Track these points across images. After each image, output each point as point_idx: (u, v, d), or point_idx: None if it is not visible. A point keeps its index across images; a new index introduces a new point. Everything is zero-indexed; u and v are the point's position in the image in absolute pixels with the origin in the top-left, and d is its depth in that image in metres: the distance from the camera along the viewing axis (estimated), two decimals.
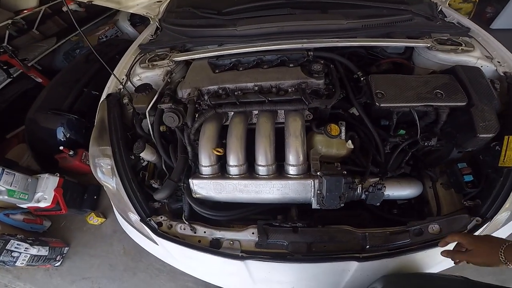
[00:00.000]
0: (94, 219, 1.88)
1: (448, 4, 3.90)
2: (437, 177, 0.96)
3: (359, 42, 1.04)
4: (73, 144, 2.01)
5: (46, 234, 1.94)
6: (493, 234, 0.84)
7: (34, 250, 1.69)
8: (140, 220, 0.96)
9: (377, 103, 0.86)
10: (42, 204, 1.75)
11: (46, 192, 1.75)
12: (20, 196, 1.68)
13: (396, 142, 0.94)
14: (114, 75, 1.20)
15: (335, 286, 0.84)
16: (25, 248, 1.67)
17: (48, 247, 1.75)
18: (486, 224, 0.79)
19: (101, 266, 1.77)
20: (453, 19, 1.31)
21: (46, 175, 1.80)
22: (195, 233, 0.90)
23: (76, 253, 1.86)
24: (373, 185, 0.82)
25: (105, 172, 1.04)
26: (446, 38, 1.09)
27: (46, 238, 1.81)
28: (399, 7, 1.18)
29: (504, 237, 0.92)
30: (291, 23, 1.10)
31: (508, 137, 0.80)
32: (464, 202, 0.87)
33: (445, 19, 1.31)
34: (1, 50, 2.33)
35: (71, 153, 1.93)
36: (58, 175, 1.83)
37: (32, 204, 1.75)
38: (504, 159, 0.80)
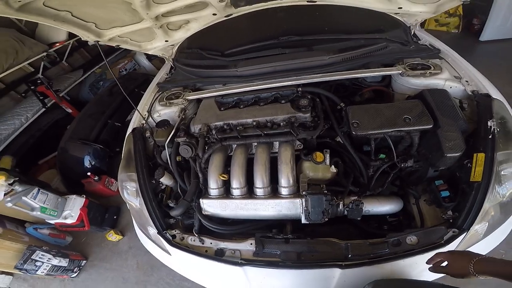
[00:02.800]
0: (112, 236, 2.20)
1: (435, 20, 4.05)
2: (419, 194, 1.14)
3: (338, 76, 1.29)
4: (98, 171, 2.40)
5: (67, 248, 2.29)
6: (477, 244, 1.01)
7: (55, 261, 2.04)
8: (158, 233, 1.23)
9: (353, 132, 1.10)
10: (68, 221, 2.10)
11: (73, 210, 2.11)
12: (51, 213, 2.05)
13: (377, 166, 1.15)
14: (139, 111, 1.55)
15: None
16: (48, 258, 2.02)
17: (68, 259, 2.09)
18: (463, 235, 0.94)
19: (115, 279, 2.05)
20: (426, 41, 1.51)
21: (74, 196, 2.17)
22: (203, 244, 1.16)
23: (93, 266, 2.18)
24: (352, 202, 1.04)
25: (130, 193, 1.34)
26: (417, 62, 1.29)
27: (67, 251, 2.15)
28: (375, 36, 1.41)
29: (490, 248, 1.08)
30: (281, 63, 1.39)
31: (477, 155, 0.98)
32: (443, 216, 1.04)
33: (418, 42, 1.50)
34: (39, 82, 2.82)
35: (96, 178, 2.32)
36: (84, 196, 2.19)
37: (60, 220, 2.11)
38: (474, 174, 0.98)
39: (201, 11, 1.37)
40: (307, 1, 1.35)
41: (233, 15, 1.46)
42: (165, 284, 1.87)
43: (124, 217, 2.36)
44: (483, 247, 1.03)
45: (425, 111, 1.07)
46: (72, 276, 2.14)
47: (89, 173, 2.27)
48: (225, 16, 1.46)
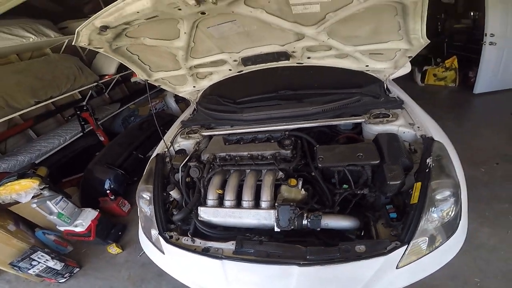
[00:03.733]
0: (113, 249, 2.43)
1: (434, 74, 4.33)
2: (376, 218, 1.36)
3: (317, 123, 1.67)
4: (115, 193, 2.77)
5: (66, 255, 2.49)
6: (423, 259, 1.18)
7: (51, 263, 2.25)
8: (158, 233, 1.49)
9: (319, 164, 1.43)
10: (77, 229, 2.39)
11: (84, 221, 2.42)
12: (65, 219, 2.36)
13: (341, 193, 1.43)
14: (164, 141, 1.98)
15: (292, 283, 1.18)
16: (46, 259, 2.24)
17: (63, 264, 2.30)
18: (405, 247, 1.14)
19: None
20: (395, 94, 1.87)
21: (89, 209, 2.51)
22: (193, 243, 1.40)
23: (85, 275, 2.36)
24: (313, 214, 1.30)
25: (144, 202, 1.66)
26: (379, 112, 1.63)
27: (65, 257, 2.37)
28: (351, 91, 1.77)
29: (439, 265, 1.23)
30: (277, 112, 1.81)
31: (416, 184, 1.27)
32: (391, 233, 1.26)
33: (388, 95, 1.85)
34: (84, 108, 3.43)
35: (112, 197, 2.69)
36: (98, 211, 2.51)
37: (70, 228, 2.40)
38: (413, 198, 1.24)
39: (221, 66, 1.90)
40: (297, 63, 1.84)
41: (244, 71, 1.98)
42: None
43: (128, 235, 2.60)
44: (429, 263, 1.21)
45: (374, 150, 1.41)
46: (60, 281, 2.33)
47: (108, 191, 2.64)
48: (238, 72, 1.98)
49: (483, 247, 1.90)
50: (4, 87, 2.93)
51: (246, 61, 1.79)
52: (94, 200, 2.74)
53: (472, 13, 4.89)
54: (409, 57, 1.54)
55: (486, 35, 3.98)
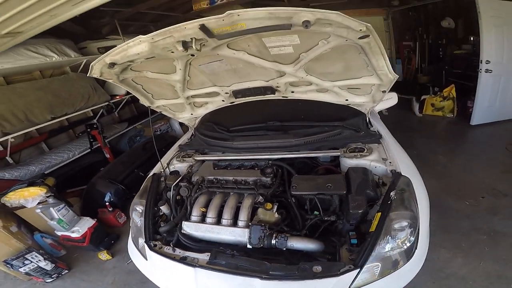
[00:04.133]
0: (103, 255, 2.58)
1: (431, 104, 4.36)
2: (341, 243, 1.46)
3: (297, 155, 1.85)
4: (113, 205, 2.96)
5: (59, 258, 2.64)
6: (375, 284, 1.26)
7: (42, 263, 2.42)
8: (145, 241, 1.63)
9: (292, 191, 1.58)
10: (73, 235, 2.56)
11: (81, 228, 2.59)
12: (63, 225, 2.55)
13: (311, 218, 1.56)
14: (161, 163, 2.18)
15: None
16: (38, 260, 2.41)
17: (54, 265, 2.47)
18: (357, 270, 1.24)
19: None
20: (375, 127, 2.01)
21: (88, 218, 2.70)
22: (174, 252, 1.53)
23: (72, 277, 2.50)
24: (280, 235, 1.42)
25: (137, 214, 1.84)
26: (355, 146, 1.78)
27: (57, 259, 2.53)
28: (333, 124, 1.94)
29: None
30: (263, 142, 2.00)
31: (377, 214, 1.37)
32: (349, 257, 1.35)
33: (370, 128, 2.00)
34: (94, 126, 3.73)
35: (110, 209, 2.88)
36: (95, 220, 2.70)
37: (66, 233, 2.57)
38: (372, 227, 1.35)
39: (214, 97, 2.13)
40: (282, 97, 2.04)
41: (235, 103, 2.20)
42: None
43: (120, 244, 2.74)
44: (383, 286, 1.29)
45: (343, 182, 1.55)
46: (47, 281, 2.48)
47: (107, 203, 2.84)
48: (230, 103, 2.21)
49: (453, 276, 1.95)
50: (26, 102, 3.29)
51: (236, 93, 2.02)
52: (94, 210, 2.93)
53: (472, 38, 4.73)
54: (383, 91, 1.71)
55: (481, 62, 3.87)
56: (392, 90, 1.77)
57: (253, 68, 1.63)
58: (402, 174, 1.56)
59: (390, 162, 1.69)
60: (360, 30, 1.13)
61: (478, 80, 4.00)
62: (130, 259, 1.95)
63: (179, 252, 1.54)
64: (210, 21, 1.11)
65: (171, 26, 1.18)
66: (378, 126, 2.11)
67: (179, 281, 1.47)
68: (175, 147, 2.46)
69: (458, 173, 3.20)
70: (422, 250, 1.41)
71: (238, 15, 1.06)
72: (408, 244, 1.35)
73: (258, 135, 2.08)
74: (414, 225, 1.36)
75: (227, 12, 1.05)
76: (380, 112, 3.09)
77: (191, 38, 1.24)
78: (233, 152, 2.06)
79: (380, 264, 1.30)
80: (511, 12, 3.76)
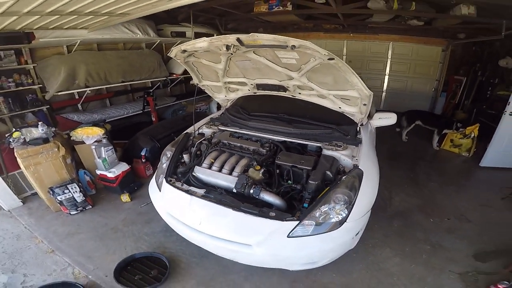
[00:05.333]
0: (125, 197, 3.71)
1: (451, 140, 5.35)
2: (299, 207, 2.29)
3: (292, 139, 2.83)
4: (146, 158, 4.25)
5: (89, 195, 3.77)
6: (306, 238, 2.06)
7: (77, 195, 3.40)
8: (164, 177, 2.72)
9: (276, 161, 2.55)
10: (109, 174, 3.74)
11: (117, 170, 3.81)
12: (105, 164, 3.76)
13: (284, 185, 2.47)
14: (194, 126, 3.35)
15: (223, 222, 2.21)
16: (75, 191, 3.39)
17: (84, 199, 3.47)
18: (297, 223, 2.08)
19: (99, 223, 3.26)
20: (361, 136, 2.83)
21: (125, 163, 3.95)
22: (182, 186, 2.57)
23: (92, 212, 3.48)
24: (255, 186, 2.34)
25: (165, 158, 2.97)
26: (336, 143, 2.67)
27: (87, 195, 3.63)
28: (329, 125, 2.86)
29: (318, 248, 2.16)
30: (270, 126, 3.01)
31: (327, 188, 2.22)
32: (298, 215, 2.16)
33: (357, 135, 2.83)
34: (151, 94, 5.34)
35: (143, 160, 4.17)
36: (130, 167, 3.97)
37: (104, 172, 3.76)
38: (319, 197, 2.21)
39: (243, 86, 3.24)
40: (291, 95, 3.03)
41: (257, 93, 3.29)
42: (131, 235, 3.06)
43: (140, 191, 3.88)
44: (309, 244, 2.11)
45: (312, 161, 2.47)
46: (72, 213, 3.40)
47: (142, 155, 4.16)
48: (254, 93, 3.31)
49: (385, 270, 2.62)
50: (109, 66, 4.96)
51: (258, 86, 3.11)
52: (130, 160, 4.23)
53: None
54: (364, 104, 2.60)
55: (509, 104, 4.22)
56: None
57: (271, 69, 2.66)
58: (360, 168, 2.42)
59: (356, 159, 2.55)
60: (325, 54, 2.08)
61: (499, 122, 4.40)
62: (145, 203, 3.06)
63: (186, 187, 2.60)
64: (242, 36, 2.19)
65: (221, 35, 2.31)
66: (365, 136, 2.94)
67: (178, 205, 2.49)
68: (207, 118, 3.64)
69: (439, 198, 3.89)
70: (351, 225, 2.20)
71: (257, 36, 2.13)
72: (341, 217, 2.17)
73: (269, 121, 3.15)
74: (349, 202, 2.19)
75: (251, 33, 2.14)
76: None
77: (231, 44, 2.34)
78: (247, 129, 3.15)
79: (314, 223, 2.15)
80: None
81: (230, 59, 2.73)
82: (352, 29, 7.74)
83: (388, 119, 3.37)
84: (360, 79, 2.31)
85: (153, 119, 5.46)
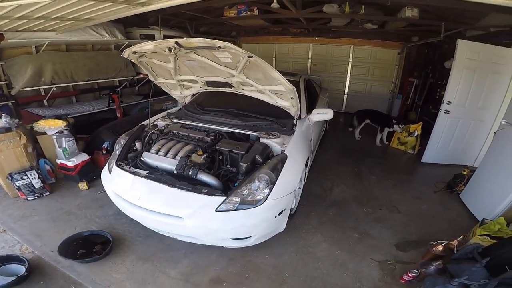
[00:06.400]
0: (82, 185, 3.95)
1: (398, 138, 6.07)
2: (232, 186, 2.65)
3: (236, 130, 3.22)
4: (107, 151, 4.50)
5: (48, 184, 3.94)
6: (232, 213, 2.39)
7: (35, 181, 3.63)
8: (115, 162, 3.01)
9: (216, 146, 2.93)
10: (68, 163, 3.98)
11: (76, 159, 4.05)
12: (65, 154, 3.98)
13: (222, 168, 2.81)
14: (149, 119, 3.66)
15: (158, 197, 2.51)
16: (33, 177, 3.62)
17: (42, 185, 3.69)
18: (223, 198, 2.41)
19: (55, 207, 3.48)
20: (296, 128, 3.23)
21: (85, 154, 4.20)
22: (129, 168, 2.87)
23: (49, 198, 3.69)
24: (193, 168, 2.64)
25: (118, 146, 3.27)
26: (271, 133, 3.09)
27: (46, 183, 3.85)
28: (269, 118, 3.29)
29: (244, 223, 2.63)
30: (219, 119, 3.39)
31: (257, 171, 2.57)
32: (228, 192, 2.48)
33: (293, 128, 3.24)
34: (116, 92, 5.61)
35: (104, 152, 4.41)
36: (90, 157, 4.22)
37: (64, 161, 3.99)
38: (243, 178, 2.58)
39: (195, 83, 3.55)
40: (237, 91, 3.36)
41: (208, 90, 3.62)
42: (83, 217, 3.30)
43: (99, 180, 3.79)
44: (234, 218, 2.42)
45: (246, 146, 2.83)
46: (29, 198, 3.60)
47: (103, 146, 4.42)
48: (205, 89, 3.64)
49: (312, 254, 2.87)
50: (75, 66, 5.23)
51: (208, 84, 3.44)
52: (92, 152, 4.47)
53: None
54: (291, 98, 2.98)
55: (443, 102, 4.62)
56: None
57: (214, 68, 2.97)
58: (285, 153, 2.79)
59: (285, 146, 2.92)
60: (243, 53, 2.46)
61: (436, 120, 4.81)
62: (101, 191, 3.27)
63: (132, 169, 2.89)
64: (180, 40, 2.52)
65: (163, 39, 2.63)
66: (300, 128, 3.35)
67: (123, 183, 2.78)
68: (164, 113, 3.96)
69: (376, 191, 4.28)
70: (273, 203, 2.52)
71: (191, 40, 2.47)
72: (263, 195, 2.50)
73: (218, 115, 3.51)
74: (270, 182, 2.54)
75: (186, 37, 2.49)
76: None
77: (172, 47, 2.64)
78: (198, 122, 3.50)
79: (239, 199, 2.48)
80: (489, 58, 4.39)
81: (177, 59, 3.05)
82: (317, 33, 8.21)
83: (325, 114, 3.79)
84: (280, 74, 2.66)
85: (118, 115, 5.72)
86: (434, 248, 2.65)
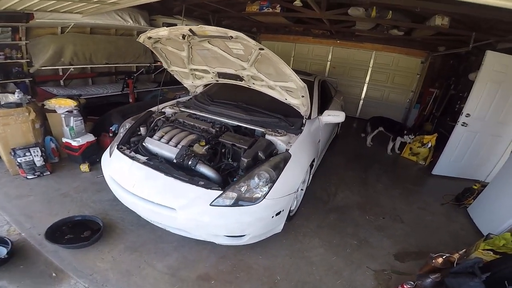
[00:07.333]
0: (84, 167, 3.93)
1: (410, 148, 5.81)
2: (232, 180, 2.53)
3: (243, 124, 3.11)
4: (114, 134, 4.48)
5: (50, 163, 3.84)
6: (227, 208, 2.29)
7: (37, 158, 3.56)
8: (116, 145, 2.98)
9: (219, 138, 2.83)
10: (73, 143, 3.96)
11: (82, 139, 4.03)
12: (71, 133, 3.97)
13: (224, 161, 2.71)
14: (158, 107, 3.63)
15: (153, 185, 2.44)
16: (36, 154, 3.55)
17: (44, 164, 3.64)
18: (220, 192, 2.32)
19: (52, 188, 3.42)
20: (305, 129, 3.12)
21: (91, 134, 4.19)
22: (129, 153, 2.82)
23: (48, 178, 3.63)
24: (193, 158, 2.56)
25: (123, 128, 3.24)
26: (278, 130, 2.96)
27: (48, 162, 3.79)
28: (278, 116, 3.17)
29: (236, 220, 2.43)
30: (226, 111, 3.30)
31: (258, 168, 2.46)
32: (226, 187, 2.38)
33: (301, 127, 3.11)
34: (132, 77, 5.65)
35: (110, 135, 4.40)
36: (96, 139, 4.21)
37: (69, 140, 3.97)
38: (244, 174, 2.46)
39: (207, 74, 3.47)
40: (247, 85, 3.25)
41: (219, 81, 3.52)
42: (79, 201, 3.23)
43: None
44: (228, 214, 2.32)
45: (250, 142, 2.72)
46: (28, 177, 3.57)
47: (111, 129, 4.41)
48: (216, 80, 3.54)
49: (305, 259, 2.75)
50: (95, 49, 5.32)
51: (219, 75, 3.36)
52: (100, 134, 4.48)
53: None
54: (302, 96, 2.84)
55: (462, 114, 4.46)
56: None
57: (227, 59, 2.88)
58: (289, 152, 2.68)
59: (290, 145, 2.81)
60: (255, 44, 2.35)
61: (452, 132, 4.62)
62: (101, 174, 3.12)
63: (133, 154, 2.84)
64: (194, 27, 2.44)
65: (178, 26, 2.59)
66: (308, 129, 3.23)
67: (120, 168, 2.73)
68: (173, 101, 3.92)
69: (381, 199, 4.12)
70: (271, 202, 2.41)
71: (204, 28, 2.39)
72: (262, 193, 2.40)
73: (227, 108, 3.43)
74: (270, 181, 2.44)
75: (200, 25, 2.40)
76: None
77: (186, 34, 2.57)
78: (206, 112, 3.44)
79: (236, 195, 2.38)
80: None
81: (191, 47, 2.98)
82: (340, 36, 7.99)
83: (336, 116, 3.63)
84: (292, 71, 2.55)
85: (130, 100, 5.74)
86: (434, 261, 2.52)
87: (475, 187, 4.02)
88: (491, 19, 3.94)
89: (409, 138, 5.51)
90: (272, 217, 2.53)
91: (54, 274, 2.30)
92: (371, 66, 8.19)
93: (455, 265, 2.38)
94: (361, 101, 8.65)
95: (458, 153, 4.79)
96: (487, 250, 2.54)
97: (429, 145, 5.36)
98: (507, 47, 4.85)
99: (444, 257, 2.48)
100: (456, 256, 2.45)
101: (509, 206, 3.19)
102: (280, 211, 2.59)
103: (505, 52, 4.30)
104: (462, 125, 4.52)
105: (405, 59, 7.73)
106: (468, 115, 4.47)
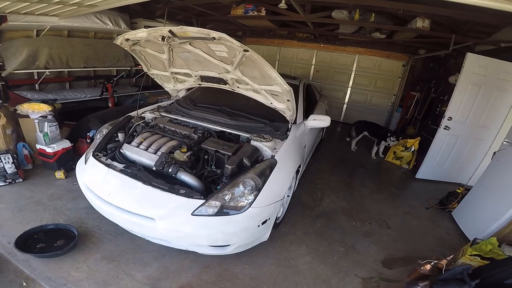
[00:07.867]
0: (59, 174, 3.70)
1: (394, 152, 5.79)
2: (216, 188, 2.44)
3: (227, 129, 2.99)
4: (92, 140, 4.27)
5: (23, 170, 3.64)
6: (210, 218, 2.17)
7: (8, 166, 3.41)
8: (92, 152, 2.81)
9: (202, 145, 2.69)
10: (48, 149, 3.72)
11: (57, 146, 3.80)
12: (46, 139, 3.73)
13: (206, 169, 2.60)
14: (137, 111, 3.47)
15: (130, 194, 2.29)
16: (7, 161, 3.42)
17: (15, 171, 3.46)
18: (202, 202, 2.20)
19: (24, 195, 3.23)
20: (291, 134, 3.03)
21: (67, 141, 3.96)
22: (106, 160, 2.66)
23: (21, 185, 3.43)
24: (174, 165, 2.43)
25: (100, 135, 3.07)
26: (264, 136, 2.83)
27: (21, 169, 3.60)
28: (263, 120, 3.08)
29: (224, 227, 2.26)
30: (209, 116, 3.18)
31: (243, 175, 2.36)
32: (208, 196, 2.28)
33: (286, 133, 3.02)
34: (111, 81, 5.42)
35: (88, 141, 4.18)
36: (72, 145, 3.98)
37: (43, 147, 3.74)
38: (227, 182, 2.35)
39: (189, 77, 3.35)
40: (231, 89, 3.16)
41: (202, 85, 3.42)
42: (52, 209, 3.06)
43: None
44: (212, 224, 2.21)
45: (233, 147, 2.61)
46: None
47: (88, 135, 4.19)
48: (199, 84, 3.44)
49: (294, 267, 2.66)
50: (72, 52, 5.06)
51: (202, 78, 3.24)
52: (76, 139, 4.25)
53: None
54: (288, 100, 2.76)
55: (444, 117, 4.47)
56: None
57: (209, 62, 2.78)
58: (275, 159, 2.59)
59: (276, 151, 2.71)
60: (239, 46, 2.25)
61: (435, 135, 4.66)
62: (76, 182, 2.95)
63: (109, 161, 2.68)
64: (174, 28, 2.32)
65: (158, 27, 2.44)
66: (294, 134, 3.14)
67: (95, 176, 2.57)
68: (154, 106, 3.76)
69: (367, 204, 4.09)
70: (256, 211, 2.32)
71: (185, 28, 2.27)
72: (247, 201, 2.29)
73: (210, 112, 3.31)
74: (256, 189, 2.33)
75: (180, 26, 2.28)
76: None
77: (166, 35, 2.46)
78: (188, 117, 3.30)
79: (220, 204, 2.26)
80: (496, 74, 4.23)
81: (171, 50, 2.86)
82: (323, 40, 8.06)
83: (322, 121, 3.57)
84: (278, 74, 2.46)
85: (109, 105, 5.52)
86: (422, 267, 2.47)
87: (459, 191, 4.05)
88: (469, 21, 4.03)
89: (391, 140, 5.55)
90: (258, 226, 2.42)
91: (24, 284, 2.21)
92: (354, 69, 8.28)
93: (443, 272, 2.34)
94: (345, 105, 8.73)
95: (440, 157, 4.82)
96: (474, 255, 2.52)
97: (412, 148, 5.42)
98: (484, 50, 5.01)
99: (432, 263, 2.45)
100: (444, 262, 2.42)
101: (493, 210, 3.19)
102: (267, 220, 2.49)
103: (483, 54, 4.42)
104: (445, 128, 4.56)
105: (387, 62, 7.87)
106: (450, 119, 4.50)
